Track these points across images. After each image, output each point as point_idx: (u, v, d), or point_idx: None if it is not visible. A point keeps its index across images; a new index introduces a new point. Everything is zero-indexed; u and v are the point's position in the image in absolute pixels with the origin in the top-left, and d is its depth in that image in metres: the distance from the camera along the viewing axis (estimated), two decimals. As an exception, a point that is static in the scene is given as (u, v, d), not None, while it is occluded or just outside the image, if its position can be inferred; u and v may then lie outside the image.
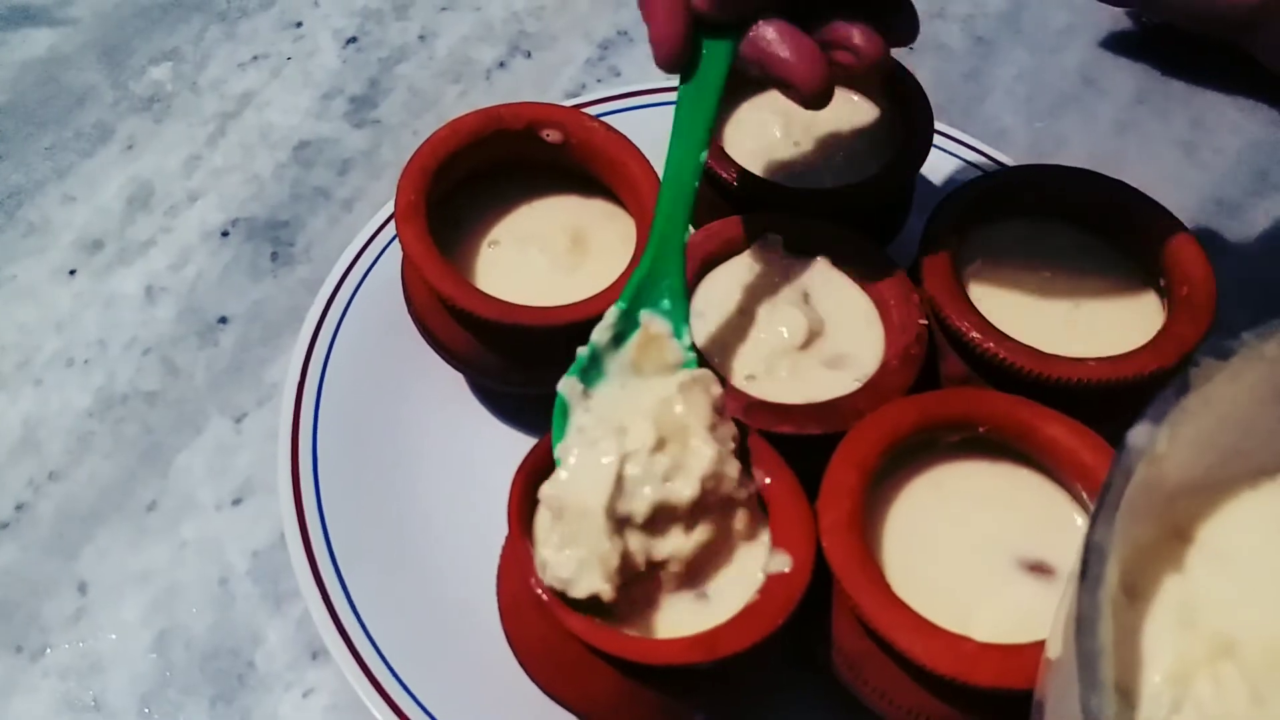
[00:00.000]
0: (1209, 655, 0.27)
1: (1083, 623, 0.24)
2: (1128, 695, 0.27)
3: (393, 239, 0.50)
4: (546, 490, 0.36)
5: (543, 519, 0.36)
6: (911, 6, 0.37)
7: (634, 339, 0.39)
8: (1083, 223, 0.46)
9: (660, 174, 0.40)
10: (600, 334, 0.39)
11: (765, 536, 0.38)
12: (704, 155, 0.39)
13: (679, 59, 0.37)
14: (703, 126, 0.38)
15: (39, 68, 0.62)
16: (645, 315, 0.39)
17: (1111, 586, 0.25)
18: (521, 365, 0.44)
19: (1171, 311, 0.42)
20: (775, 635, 0.35)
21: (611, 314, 0.39)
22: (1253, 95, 0.63)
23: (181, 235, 0.56)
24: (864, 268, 0.44)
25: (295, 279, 0.54)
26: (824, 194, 0.46)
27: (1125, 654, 0.27)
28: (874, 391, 0.40)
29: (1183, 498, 0.30)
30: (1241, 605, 0.28)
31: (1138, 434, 0.26)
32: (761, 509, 0.38)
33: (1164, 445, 0.26)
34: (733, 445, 0.37)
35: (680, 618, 0.36)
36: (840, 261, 0.44)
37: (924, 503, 0.38)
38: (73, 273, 0.54)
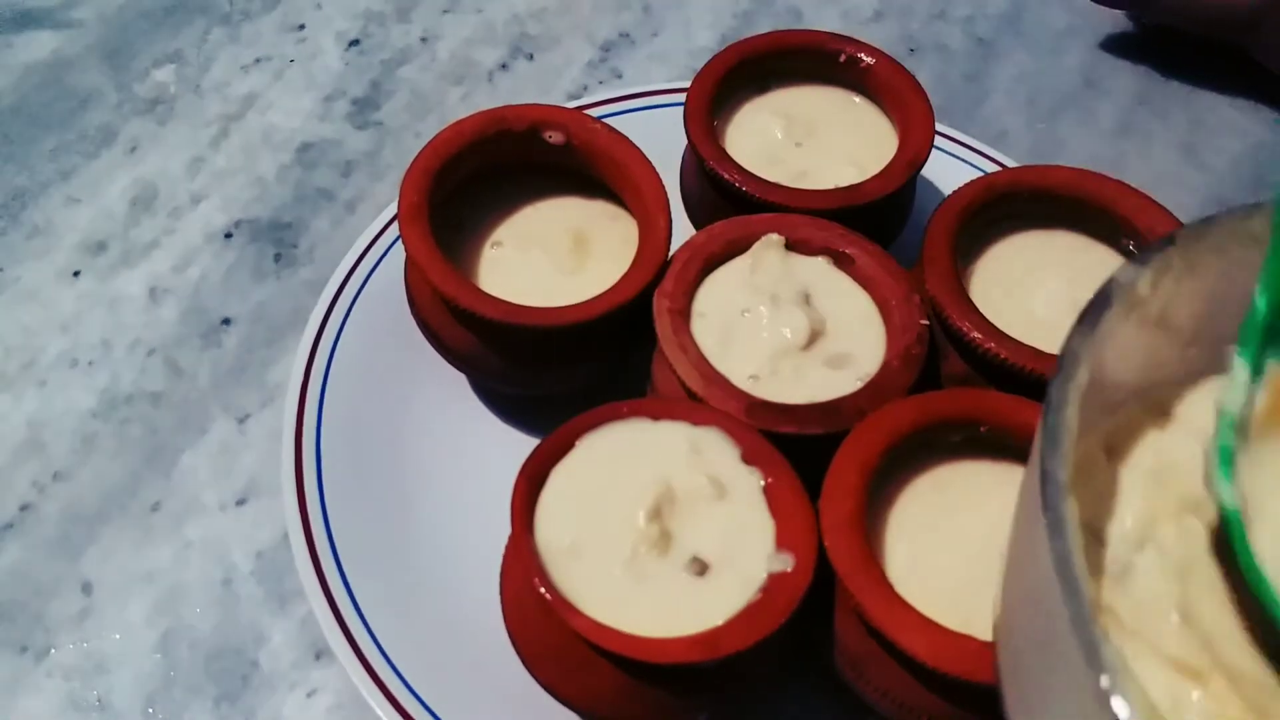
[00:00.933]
0: (1177, 508, 0.28)
1: (1051, 404, 0.25)
2: (1098, 536, 0.28)
3: (396, 240, 0.50)
4: None
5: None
6: None
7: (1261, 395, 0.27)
8: (1083, 224, 0.46)
9: (660, 174, 0.39)
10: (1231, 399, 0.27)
11: (768, 535, 0.38)
12: None
13: None
14: None
15: (43, 70, 0.63)
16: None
17: (1082, 386, 0.26)
18: (524, 366, 0.44)
19: (1172, 311, 0.43)
20: (777, 634, 0.35)
21: (1240, 370, 0.27)
22: (1253, 96, 0.63)
23: (185, 237, 0.56)
24: (865, 268, 0.44)
25: (298, 280, 0.54)
26: (825, 194, 0.46)
27: (1099, 505, 0.28)
28: (876, 391, 0.40)
29: (1168, 385, 0.30)
30: None
31: (1123, 270, 0.27)
32: (764, 508, 0.38)
33: (1146, 288, 0.27)
34: None
35: (682, 616, 0.36)
36: (841, 262, 0.44)
37: (926, 502, 0.38)
38: (77, 274, 0.54)
